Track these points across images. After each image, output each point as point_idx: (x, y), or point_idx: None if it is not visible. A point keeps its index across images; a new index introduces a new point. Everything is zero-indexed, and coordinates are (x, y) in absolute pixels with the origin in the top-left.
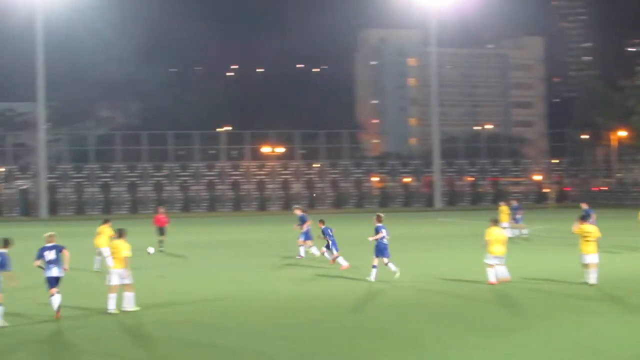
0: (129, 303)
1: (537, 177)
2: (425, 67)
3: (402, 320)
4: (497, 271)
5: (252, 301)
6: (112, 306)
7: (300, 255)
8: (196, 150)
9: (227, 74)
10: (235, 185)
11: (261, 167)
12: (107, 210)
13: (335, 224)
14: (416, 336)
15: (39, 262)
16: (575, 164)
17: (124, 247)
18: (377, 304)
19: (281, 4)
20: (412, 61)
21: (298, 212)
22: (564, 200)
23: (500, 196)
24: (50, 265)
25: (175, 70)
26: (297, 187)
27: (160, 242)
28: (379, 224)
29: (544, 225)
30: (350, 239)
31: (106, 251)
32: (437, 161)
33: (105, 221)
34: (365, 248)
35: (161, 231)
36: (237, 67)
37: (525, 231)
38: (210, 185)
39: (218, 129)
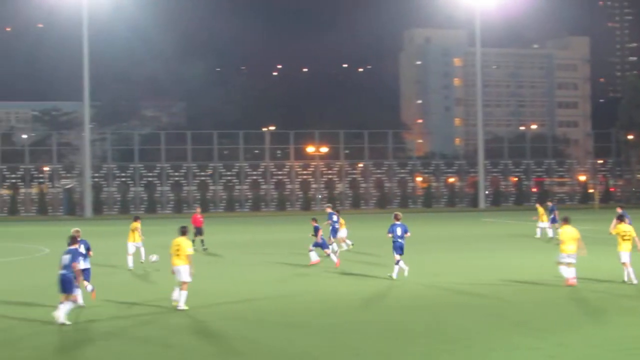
0: (182, 301)
1: (582, 178)
2: (470, 67)
3: (445, 321)
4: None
5: (292, 301)
6: (175, 296)
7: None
8: (241, 149)
9: (272, 73)
10: (280, 185)
11: (305, 166)
12: (151, 209)
13: (378, 224)
14: (461, 337)
15: None
16: (621, 165)
17: (187, 245)
18: (419, 304)
19: (326, 3)
20: (457, 61)
21: (329, 210)
22: (608, 200)
23: (544, 196)
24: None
25: (220, 69)
26: (341, 186)
27: (201, 241)
28: (396, 222)
29: (587, 226)
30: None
31: (132, 247)
32: (481, 161)
33: (136, 218)
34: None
35: (199, 231)
36: (281, 66)
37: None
38: (255, 185)
39: (263, 129)
